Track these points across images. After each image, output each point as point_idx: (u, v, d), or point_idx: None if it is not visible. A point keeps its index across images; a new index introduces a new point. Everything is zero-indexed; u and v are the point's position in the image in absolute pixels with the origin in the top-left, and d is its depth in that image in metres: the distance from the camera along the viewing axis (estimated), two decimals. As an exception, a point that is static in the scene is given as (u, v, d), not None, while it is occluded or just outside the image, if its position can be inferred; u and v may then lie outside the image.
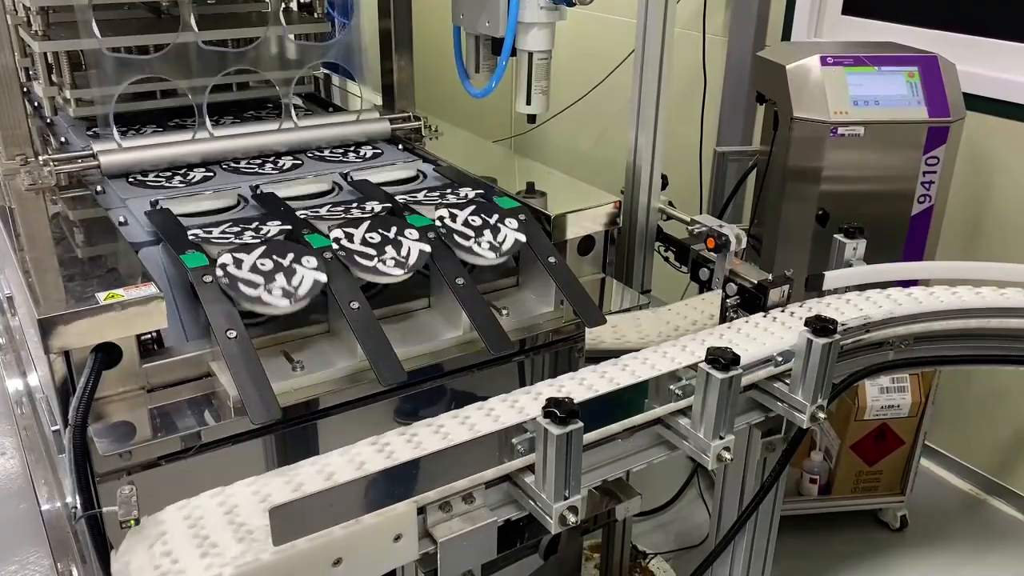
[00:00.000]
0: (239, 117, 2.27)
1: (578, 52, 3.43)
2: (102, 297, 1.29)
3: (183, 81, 1.96)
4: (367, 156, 2.06)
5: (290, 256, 1.42)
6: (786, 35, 2.97)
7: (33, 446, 1.84)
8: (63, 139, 2.07)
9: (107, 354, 1.28)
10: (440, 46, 2.29)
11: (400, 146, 2.13)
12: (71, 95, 2.02)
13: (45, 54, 2.02)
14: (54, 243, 1.56)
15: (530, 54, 1.82)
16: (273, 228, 1.54)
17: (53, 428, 1.39)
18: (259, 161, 1.99)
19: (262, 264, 1.40)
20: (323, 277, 1.40)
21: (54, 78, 2.07)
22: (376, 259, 1.47)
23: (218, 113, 2.22)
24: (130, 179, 1.87)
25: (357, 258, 1.46)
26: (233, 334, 1.30)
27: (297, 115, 2.08)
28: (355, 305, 1.38)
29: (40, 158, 1.82)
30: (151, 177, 1.88)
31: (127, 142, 1.91)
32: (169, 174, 1.90)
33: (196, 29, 1.94)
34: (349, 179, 1.87)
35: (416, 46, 2.32)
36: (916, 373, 2.36)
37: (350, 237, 1.49)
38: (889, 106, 2.15)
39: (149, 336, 1.37)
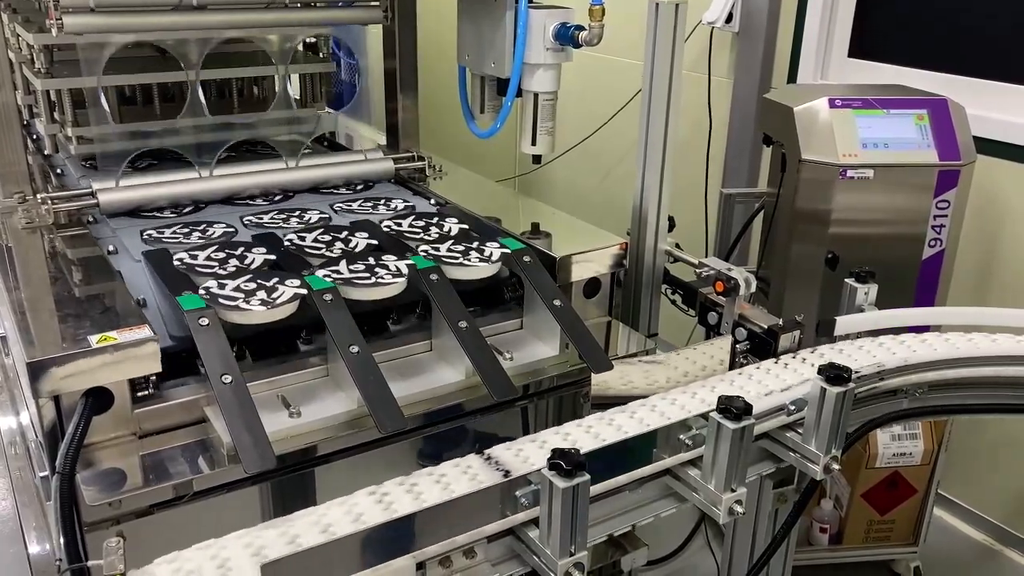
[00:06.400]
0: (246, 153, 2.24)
1: (583, 92, 3.43)
2: (94, 340, 1.25)
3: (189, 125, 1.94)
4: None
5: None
6: (792, 77, 2.97)
7: (24, 488, 1.79)
8: (59, 171, 2.04)
9: (98, 399, 1.25)
10: (445, 86, 2.28)
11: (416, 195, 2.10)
12: (72, 132, 2.00)
13: (48, 92, 2.01)
14: (50, 282, 1.53)
15: (536, 95, 1.81)
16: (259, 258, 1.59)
17: (41, 474, 1.35)
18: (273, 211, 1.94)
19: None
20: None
21: (56, 116, 2.06)
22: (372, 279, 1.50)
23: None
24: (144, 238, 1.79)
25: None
26: (228, 379, 1.26)
27: (303, 155, 2.07)
28: (354, 349, 1.35)
29: (38, 196, 1.79)
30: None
31: (126, 180, 1.88)
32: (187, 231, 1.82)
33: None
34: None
35: (421, 86, 2.32)
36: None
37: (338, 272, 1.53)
38: (899, 149, 2.13)
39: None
